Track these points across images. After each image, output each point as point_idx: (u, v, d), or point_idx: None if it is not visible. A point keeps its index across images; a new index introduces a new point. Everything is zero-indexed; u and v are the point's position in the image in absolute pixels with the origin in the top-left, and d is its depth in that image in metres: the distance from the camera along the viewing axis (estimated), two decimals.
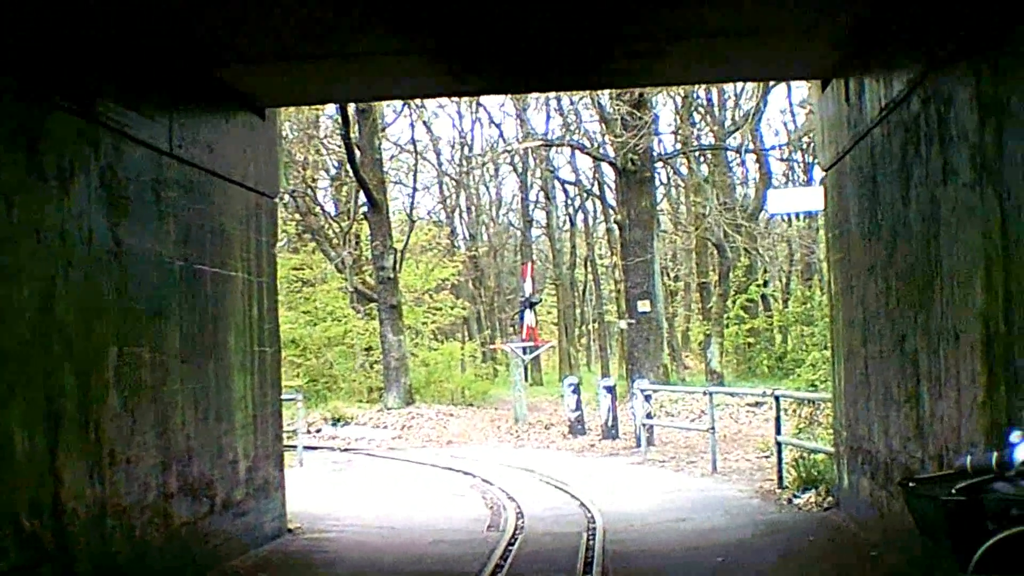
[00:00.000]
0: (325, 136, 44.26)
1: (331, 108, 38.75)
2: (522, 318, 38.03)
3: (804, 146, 43.36)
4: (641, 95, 34.65)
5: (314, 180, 46.99)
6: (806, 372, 27.80)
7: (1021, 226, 8.23)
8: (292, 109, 35.64)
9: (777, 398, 20.37)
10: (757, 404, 30.93)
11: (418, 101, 42.21)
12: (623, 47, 14.05)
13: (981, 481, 3.89)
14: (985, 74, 8.91)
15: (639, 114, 35.11)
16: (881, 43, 12.13)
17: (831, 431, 17.11)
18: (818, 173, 16.95)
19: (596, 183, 53.69)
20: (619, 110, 35.66)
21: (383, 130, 42.76)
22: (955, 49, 9.53)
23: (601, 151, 40.71)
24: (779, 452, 19.57)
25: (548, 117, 50.40)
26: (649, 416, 27.56)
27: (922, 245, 10.92)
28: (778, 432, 19.89)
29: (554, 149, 49.00)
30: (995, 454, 3.77)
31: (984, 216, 9.04)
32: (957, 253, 9.86)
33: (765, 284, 46.34)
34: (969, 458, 3.93)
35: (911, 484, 4.51)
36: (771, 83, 35.85)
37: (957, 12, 9.43)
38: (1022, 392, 8.26)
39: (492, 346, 55.99)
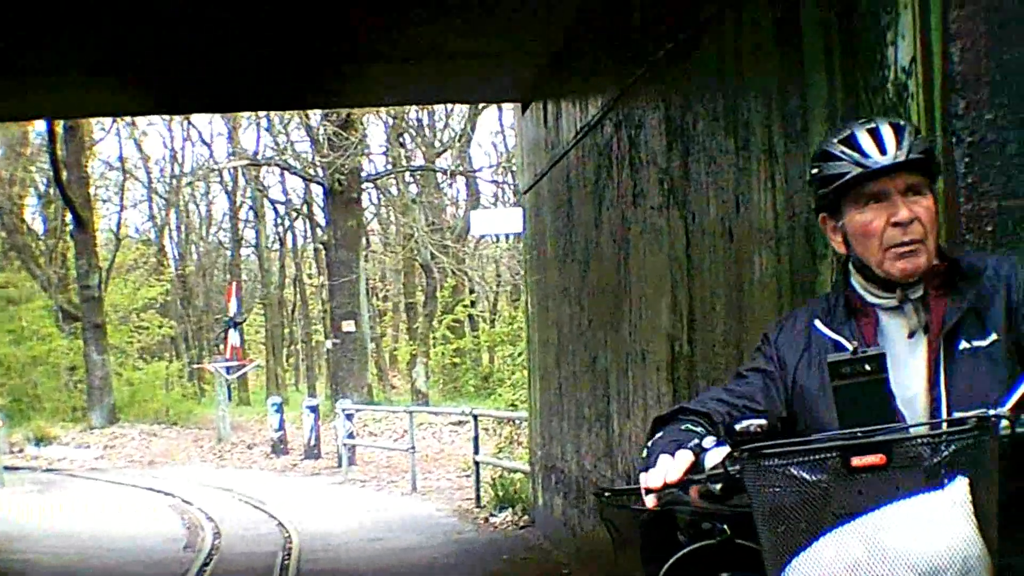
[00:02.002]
0: (32, 152, 43.23)
1: (41, 124, 37.84)
2: (226, 337, 37.71)
3: (515, 168, 43.77)
4: (348, 115, 34.59)
5: (21, 197, 45.89)
6: (506, 392, 28.03)
7: (704, 250, 8.40)
8: None
9: (475, 417, 20.54)
10: (460, 423, 31.08)
11: (128, 118, 41.50)
12: (325, 69, 14.04)
13: (671, 493, 3.90)
14: (672, 99, 9.09)
15: (345, 134, 35.04)
16: (577, 68, 12.30)
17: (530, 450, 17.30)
18: None
19: (305, 203, 53.37)
20: (327, 130, 35.55)
21: (91, 147, 41.93)
22: (644, 74, 9.71)
23: (311, 171, 40.50)
24: (477, 471, 19.72)
25: (258, 136, 49.95)
26: (351, 436, 27.43)
27: (613, 267, 11.09)
28: (476, 451, 20.04)
29: (265, 168, 48.56)
30: None
31: (670, 239, 9.21)
32: (645, 275, 10.03)
33: (472, 304, 46.66)
34: None
35: (606, 495, 4.51)
36: (480, 105, 36.17)
37: (646, 38, 9.60)
38: None
39: (198, 365, 55.15)
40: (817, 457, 3.14)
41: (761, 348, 3.83)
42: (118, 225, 50.22)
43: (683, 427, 3.56)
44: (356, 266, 37.26)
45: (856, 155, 3.54)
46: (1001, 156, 4.84)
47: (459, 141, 41.77)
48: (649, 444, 3.56)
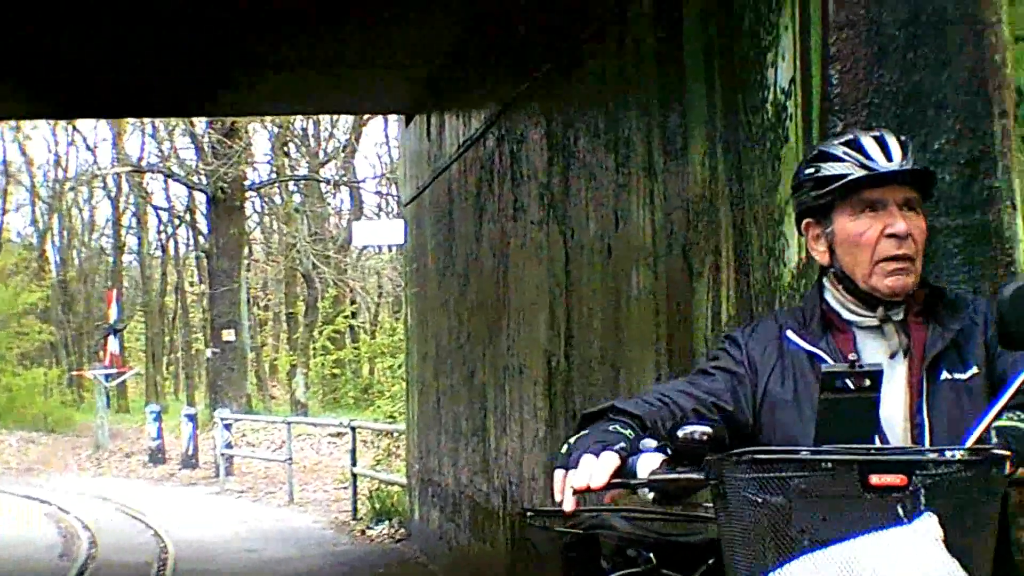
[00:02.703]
0: None
1: None
2: (106, 344, 37.32)
3: (398, 180, 43.59)
4: (233, 123, 34.35)
5: None
6: (385, 404, 27.88)
7: (582, 266, 8.40)
8: None
9: (353, 429, 20.49)
10: (339, 435, 30.87)
11: (12, 122, 41.01)
12: (213, 76, 13.95)
13: (598, 516, 3.74)
14: (554, 114, 9.09)
15: (230, 142, 34.80)
16: (461, 82, 12.29)
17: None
18: None
19: (188, 211, 52.87)
20: (211, 138, 35.30)
21: None
22: (527, 89, 9.70)
23: (195, 178, 40.14)
24: (354, 483, 19.65)
25: (143, 142, 49.43)
26: (229, 446, 27.23)
27: (492, 281, 11.08)
28: (353, 463, 19.99)
29: (148, 175, 48.06)
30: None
31: (550, 255, 9.20)
32: (524, 290, 10.02)
33: (354, 315, 46.41)
34: None
35: (529, 513, 4.41)
36: (365, 116, 36.06)
37: (529, 54, 9.60)
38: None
39: (78, 372, 54.43)
40: (827, 471, 2.86)
41: (727, 349, 3.60)
42: None
43: (611, 427, 3.28)
44: (237, 275, 37.03)
45: (861, 157, 3.41)
46: None
47: (343, 152, 41.61)
48: (572, 441, 3.28)
